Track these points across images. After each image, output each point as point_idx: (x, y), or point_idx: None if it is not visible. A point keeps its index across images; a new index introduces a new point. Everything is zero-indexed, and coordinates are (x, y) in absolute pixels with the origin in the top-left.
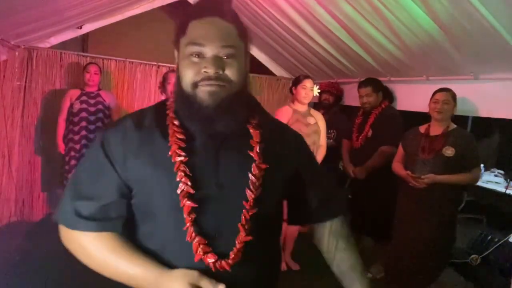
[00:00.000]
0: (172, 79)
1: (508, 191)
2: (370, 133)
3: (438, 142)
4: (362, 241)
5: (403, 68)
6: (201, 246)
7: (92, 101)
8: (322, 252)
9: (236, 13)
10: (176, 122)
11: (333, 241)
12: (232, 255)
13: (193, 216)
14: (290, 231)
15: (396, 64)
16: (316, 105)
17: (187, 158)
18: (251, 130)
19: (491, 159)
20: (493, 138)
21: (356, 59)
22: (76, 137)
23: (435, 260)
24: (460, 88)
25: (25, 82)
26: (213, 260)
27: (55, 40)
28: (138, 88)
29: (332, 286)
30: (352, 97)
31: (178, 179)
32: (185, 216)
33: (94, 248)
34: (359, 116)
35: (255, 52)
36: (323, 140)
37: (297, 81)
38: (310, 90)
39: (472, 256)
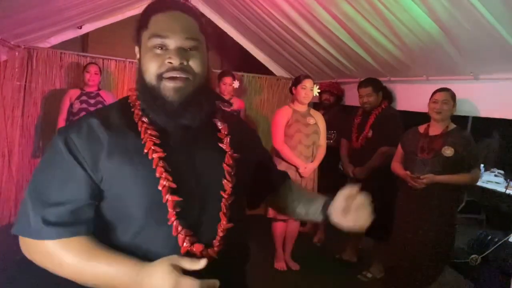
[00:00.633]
0: None
1: (508, 191)
2: (370, 134)
3: (438, 142)
4: (362, 241)
5: (403, 68)
6: (187, 238)
7: (92, 101)
8: (288, 206)
9: (197, 8)
10: (144, 119)
11: (296, 192)
12: (216, 243)
13: (177, 210)
14: (290, 231)
15: (396, 64)
16: (316, 105)
17: (164, 154)
18: (218, 123)
19: (491, 159)
20: (493, 138)
21: (356, 59)
22: None
23: (435, 260)
24: (460, 88)
25: (25, 82)
26: (201, 249)
27: (55, 40)
28: None
29: (332, 286)
30: (352, 97)
31: (158, 175)
32: (169, 210)
33: (65, 254)
34: (359, 116)
35: (255, 52)
36: (322, 141)
37: (297, 81)
38: (310, 90)
39: (472, 256)
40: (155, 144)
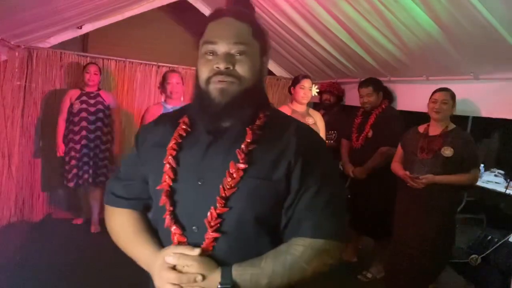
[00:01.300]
0: (171, 79)
1: (508, 191)
2: (370, 134)
3: (437, 142)
4: (362, 241)
5: (403, 68)
6: (176, 235)
7: (92, 101)
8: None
9: (253, 14)
10: (185, 120)
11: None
12: (203, 248)
13: (169, 205)
14: None
15: (396, 64)
16: (316, 105)
17: (175, 152)
18: (247, 130)
19: (491, 159)
20: (493, 138)
21: (356, 59)
22: (76, 137)
23: (435, 260)
24: (460, 88)
25: (25, 82)
26: None
27: (55, 40)
28: (138, 88)
29: (332, 286)
30: (352, 97)
31: (164, 170)
32: (160, 204)
33: (115, 223)
34: (359, 116)
35: None
36: None
37: (295, 81)
38: (309, 90)
39: (472, 256)
40: (176, 143)
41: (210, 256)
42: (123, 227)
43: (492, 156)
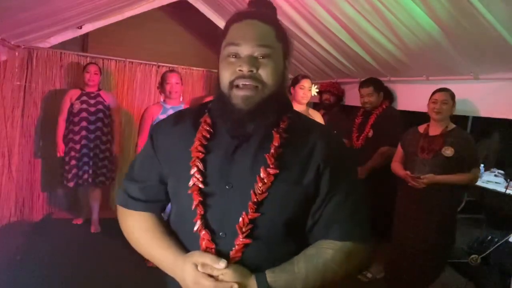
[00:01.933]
0: (170, 79)
1: (508, 191)
2: (370, 133)
3: (438, 142)
4: None
5: (403, 68)
6: (205, 240)
7: (92, 101)
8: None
9: (276, 17)
10: (208, 120)
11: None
12: (231, 255)
13: (201, 209)
14: None
15: (396, 64)
16: (316, 105)
17: (203, 155)
18: (274, 134)
19: (491, 159)
20: (493, 138)
21: (356, 59)
22: (76, 137)
23: (435, 260)
24: (460, 88)
25: (25, 82)
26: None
27: (55, 40)
28: (138, 88)
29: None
30: (352, 97)
31: (191, 173)
32: (192, 208)
33: (131, 226)
34: (359, 116)
35: None
36: None
37: (295, 81)
38: (308, 90)
39: (472, 256)
40: (201, 145)
41: (238, 262)
42: (143, 230)
43: (492, 156)
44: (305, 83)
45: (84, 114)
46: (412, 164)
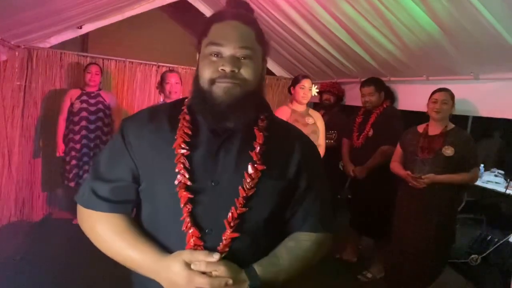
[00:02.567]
0: (170, 78)
1: (508, 191)
2: (371, 133)
3: (438, 142)
4: (362, 241)
5: (403, 68)
6: (193, 238)
7: (92, 101)
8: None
9: (255, 19)
10: (187, 117)
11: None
12: (219, 249)
13: (189, 207)
14: None
15: (396, 64)
16: (317, 105)
17: (188, 152)
18: (256, 132)
19: (491, 159)
20: (493, 138)
21: (356, 59)
22: (77, 137)
23: (435, 260)
24: (460, 88)
25: (25, 82)
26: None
27: (55, 40)
28: (138, 88)
29: (332, 286)
30: (352, 97)
31: (177, 170)
32: (181, 206)
33: (102, 229)
34: (360, 116)
35: None
36: (321, 140)
37: (295, 81)
38: (309, 90)
39: (472, 256)
40: (184, 142)
41: (226, 256)
42: (116, 233)
43: (492, 156)
44: (306, 83)
45: (84, 114)
46: (412, 164)
